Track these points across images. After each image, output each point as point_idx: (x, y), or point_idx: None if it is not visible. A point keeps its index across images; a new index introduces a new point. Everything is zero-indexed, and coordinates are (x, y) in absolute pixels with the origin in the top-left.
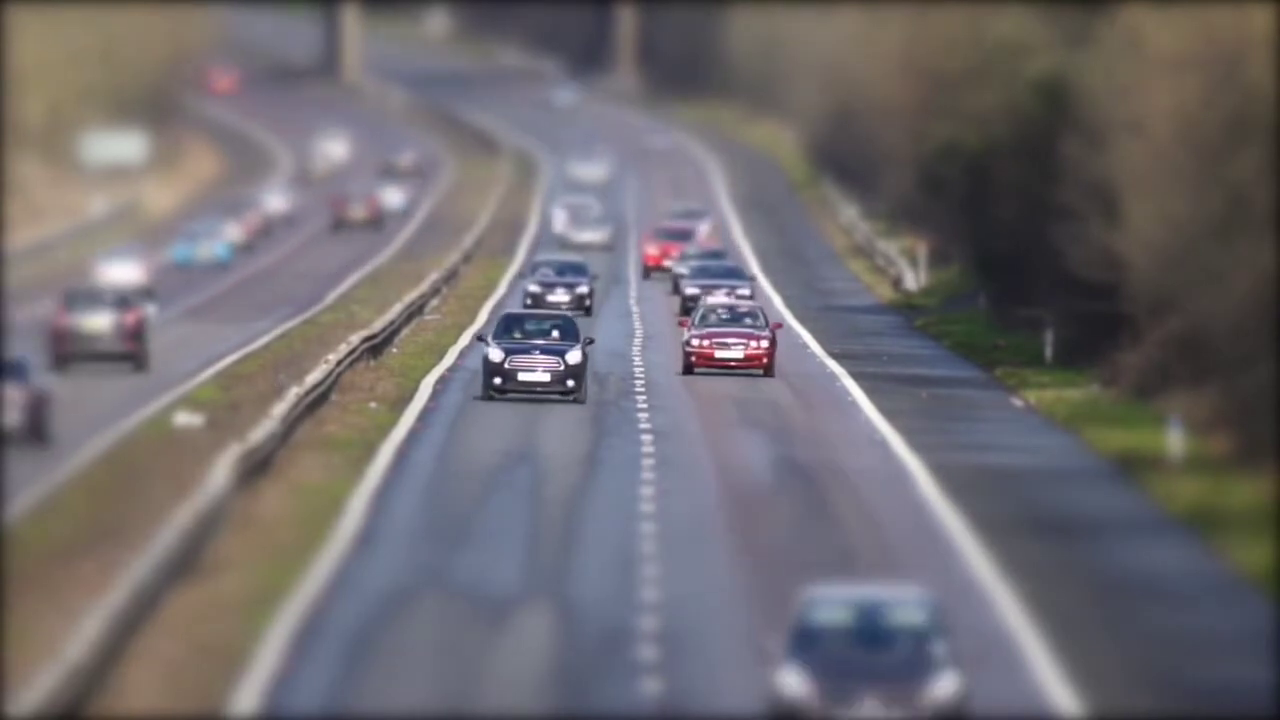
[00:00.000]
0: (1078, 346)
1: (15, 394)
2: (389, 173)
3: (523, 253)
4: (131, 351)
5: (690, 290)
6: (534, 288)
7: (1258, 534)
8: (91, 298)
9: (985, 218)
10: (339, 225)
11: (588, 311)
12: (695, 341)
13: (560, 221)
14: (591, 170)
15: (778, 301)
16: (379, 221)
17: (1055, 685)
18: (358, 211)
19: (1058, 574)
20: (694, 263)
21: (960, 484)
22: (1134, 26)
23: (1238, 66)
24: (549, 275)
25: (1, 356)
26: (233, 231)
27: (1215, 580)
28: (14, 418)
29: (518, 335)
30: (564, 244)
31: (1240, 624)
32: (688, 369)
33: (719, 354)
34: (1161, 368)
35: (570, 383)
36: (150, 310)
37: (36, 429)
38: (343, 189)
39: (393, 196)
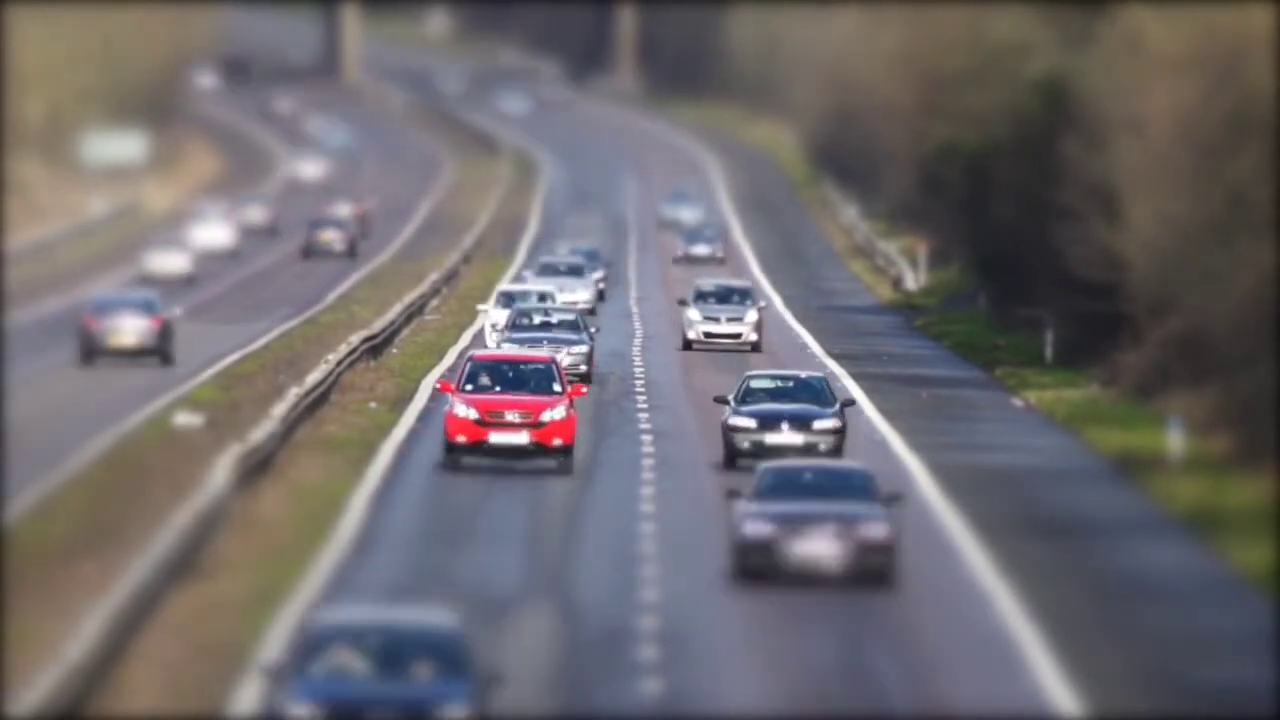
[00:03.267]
0: (1078, 346)
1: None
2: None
3: (522, 253)
4: (360, 236)
5: (741, 425)
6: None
7: (1258, 534)
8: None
9: (985, 218)
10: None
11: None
12: None
13: (495, 325)
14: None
15: (778, 302)
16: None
17: (1055, 686)
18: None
19: (1058, 574)
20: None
21: (960, 484)
22: (1134, 26)
23: (1238, 66)
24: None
25: (2, 354)
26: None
27: (1215, 580)
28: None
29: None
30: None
31: (1240, 624)
32: None
33: None
34: (1161, 368)
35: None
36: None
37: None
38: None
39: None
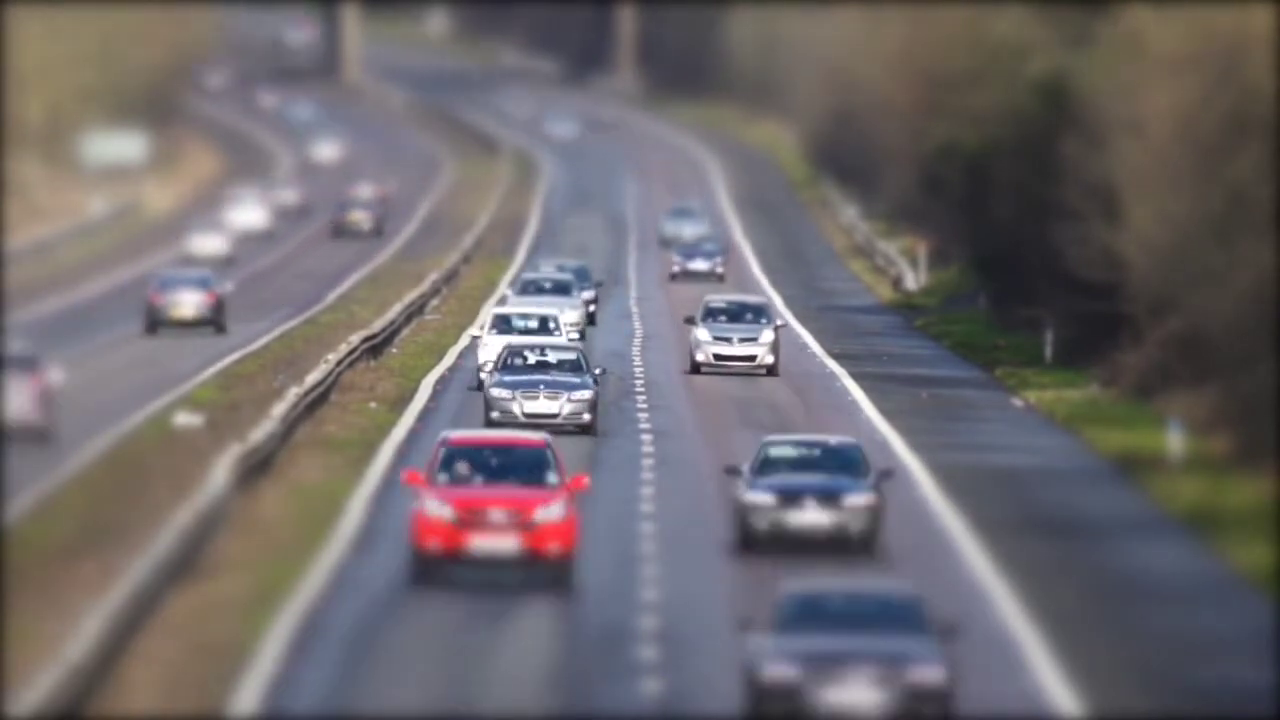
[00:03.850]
0: (1078, 346)
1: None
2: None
3: (522, 254)
4: (385, 216)
5: (758, 502)
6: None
7: (1258, 534)
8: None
9: (985, 218)
10: None
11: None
12: None
13: (484, 366)
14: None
15: (778, 302)
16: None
17: (1055, 685)
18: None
19: (1058, 574)
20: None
21: (960, 484)
22: (1134, 26)
23: (1237, 66)
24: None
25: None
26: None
27: (1215, 580)
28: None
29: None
30: (500, 418)
31: (1240, 624)
32: None
33: None
34: (1161, 368)
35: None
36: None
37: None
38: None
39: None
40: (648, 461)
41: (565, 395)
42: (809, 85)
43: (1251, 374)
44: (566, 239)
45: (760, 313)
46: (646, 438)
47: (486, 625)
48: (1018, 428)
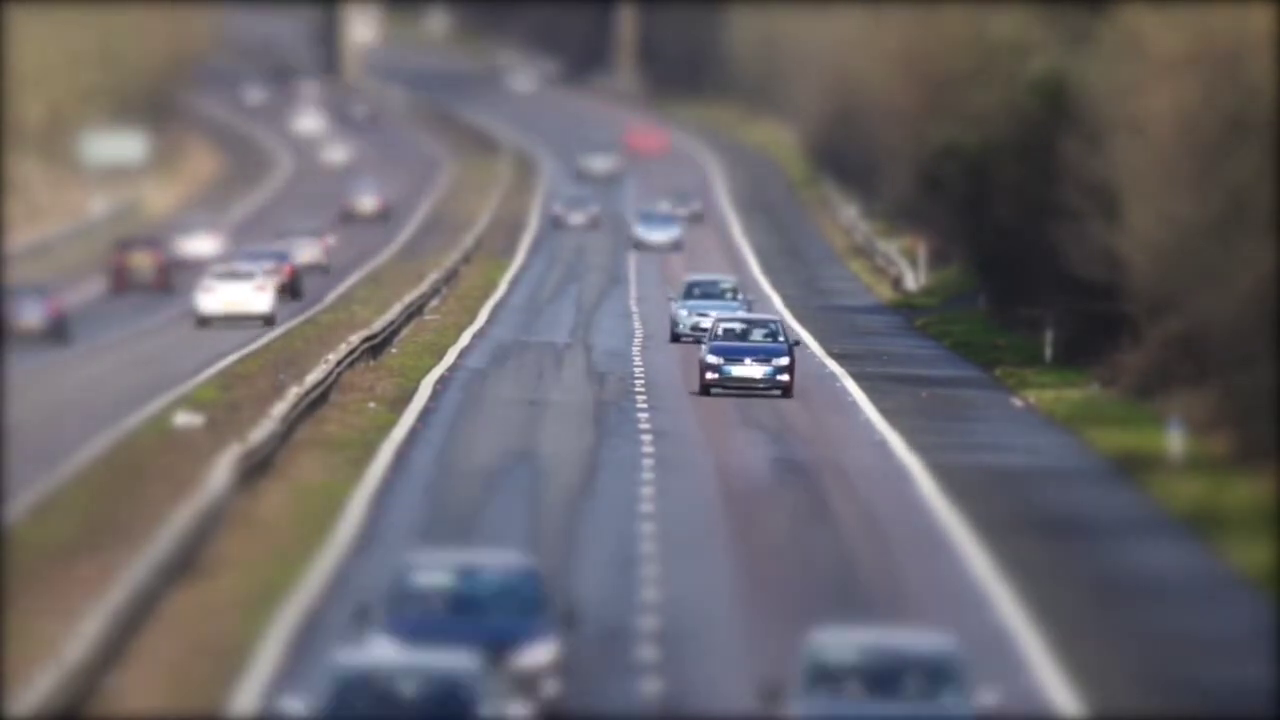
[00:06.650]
0: (1078, 346)
1: None
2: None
3: (522, 254)
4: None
5: None
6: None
7: (1258, 534)
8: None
9: (985, 218)
10: None
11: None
12: None
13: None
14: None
15: (777, 302)
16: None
17: (1055, 685)
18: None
19: (1058, 574)
20: None
21: (960, 484)
22: (1134, 26)
23: (1237, 66)
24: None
25: (1, 355)
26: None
27: (1215, 580)
28: None
29: None
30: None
31: (1240, 624)
32: None
33: None
34: (1161, 368)
35: None
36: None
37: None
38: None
39: None
40: (648, 462)
41: None
42: (809, 85)
43: (1251, 374)
44: (566, 239)
45: (943, 675)
46: (646, 438)
47: None
48: (1018, 427)
